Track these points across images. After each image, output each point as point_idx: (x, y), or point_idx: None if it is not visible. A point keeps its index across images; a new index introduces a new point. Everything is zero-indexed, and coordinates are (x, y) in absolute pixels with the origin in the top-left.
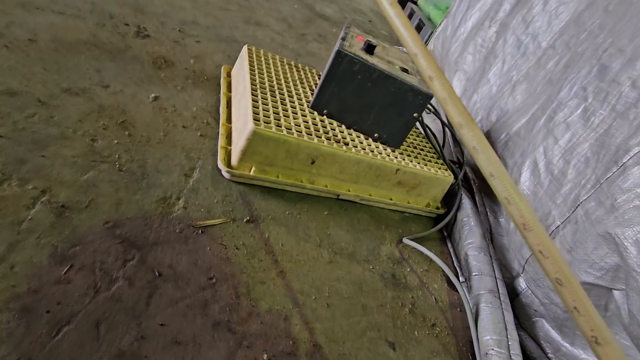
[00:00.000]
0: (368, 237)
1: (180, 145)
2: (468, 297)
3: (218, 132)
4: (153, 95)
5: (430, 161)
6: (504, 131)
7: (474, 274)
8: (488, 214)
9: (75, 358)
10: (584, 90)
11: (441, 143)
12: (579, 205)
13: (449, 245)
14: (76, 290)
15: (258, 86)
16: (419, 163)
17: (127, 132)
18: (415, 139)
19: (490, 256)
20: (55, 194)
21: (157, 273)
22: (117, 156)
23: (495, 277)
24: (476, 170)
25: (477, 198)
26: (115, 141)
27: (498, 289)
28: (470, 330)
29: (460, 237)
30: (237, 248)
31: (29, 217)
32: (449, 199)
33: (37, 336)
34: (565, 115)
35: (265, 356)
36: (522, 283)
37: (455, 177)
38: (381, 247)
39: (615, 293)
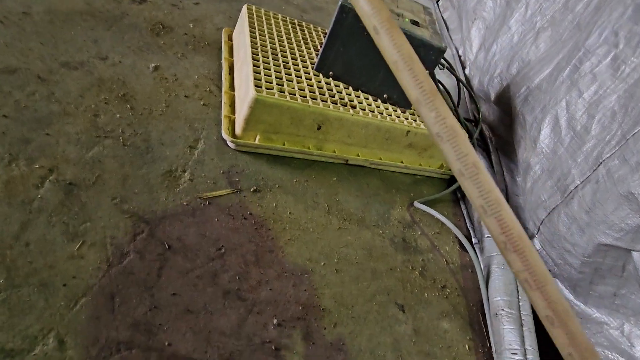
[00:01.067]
0: (378, 202)
1: (183, 116)
2: (480, 259)
3: (221, 101)
4: (153, 65)
5: None
6: (524, 84)
7: (486, 235)
8: (504, 173)
9: (93, 328)
10: (615, 36)
11: (456, 100)
12: (601, 163)
13: (463, 206)
14: (90, 265)
15: (259, 50)
16: None
17: (128, 105)
18: None
19: None
20: (62, 171)
21: (166, 246)
22: (120, 130)
23: None
24: (493, 127)
25: (493, 158)
26: (118, 115)
27: None
28: (481, 291)
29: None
30: (244, 218)
31: (39, 196)
32: None
33: (57, 308)
34: (592, 64)
35: (275, 321)
36: (536, 244)
37: (471, 136)
38: (391, 211)
39: (635, 254)
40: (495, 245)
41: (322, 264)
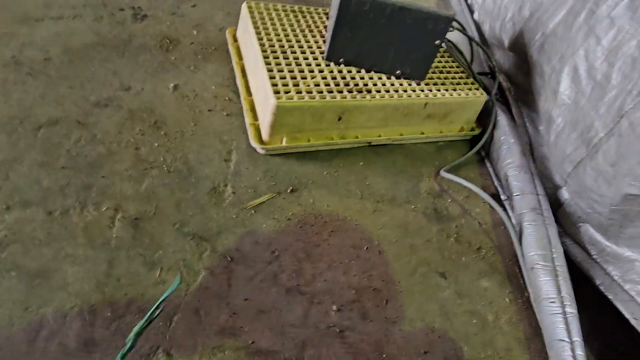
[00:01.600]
0: (405, 178)
1: (211, 131)
2: (511, 215)
3: (242, 108)
4: (172, 85)
5: (459, 84)
6: (539, 30)
7: (515, 194)
8: (527, 124)
9: (189, 338)
10: None
11: (469, 58)
12: (623, 115)
13: (488, 164)
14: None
15: (269, 51)
16: (447, 90)
17: (162, 132)
18: (440, 62)
19: (531, 173)
20: (126, 209)
21: (228, 258)
22: (162, 159)
23: (537, 194)
24: (511, 76)
25: (514, 110)
26: (156, 144)
27: (541, 205)
28: (514, 246)
29: (498, 157)
30: (288, 219)
31: (114, 235)
32: (485, 117)
33: (157, 328)
34: (609, 7)
35: (334, 307)
36: (565, 194)
37: (488, 93)
38: (420, 184)
39: None
40: (525, 203)
41: (365, 248)
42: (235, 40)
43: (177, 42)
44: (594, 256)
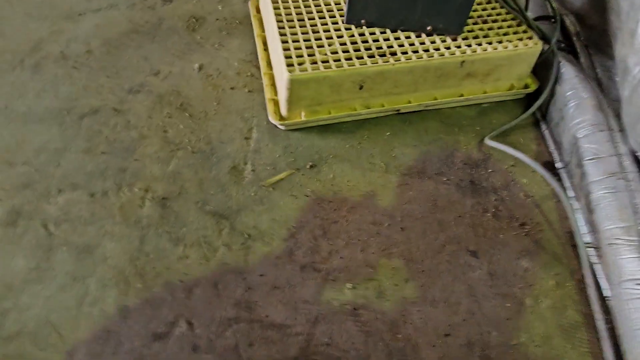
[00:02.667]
0: (439, 147)
1: (233, 110)
2: (569, 184)
3: (263, 83)
4: (197, 65)
5: (507, 34)
6: None
7: (587, 158)
8: (599, 75)
9: (208, 310)
10: None
11: (524, 2)
12: None
13: (544, 127)
14: (194, 262)
15: (285, 20)
16: (490, 43)
17: (187, 114)
18: (483, 10)
19: (610, 130)
20: (155, 189)
21: (246, 235)
22: (187, 140)
23: (619, 155)
24: (581, 16)
25: (582, 59)
26: (181, 126)
27: (623, 168)
28: (570, 221)
29: (563, 118)
30: (306, 196)
31: (145, 214)
32: (542, 70)
33: (179, 300)
34: None
35: (349, 284)
36: None
37: (548, 42)
38: (455, 153)
39: None
40: (599, 169)
41: (387, 225)
42: (257, 11)
43: (203, 20)
44: None
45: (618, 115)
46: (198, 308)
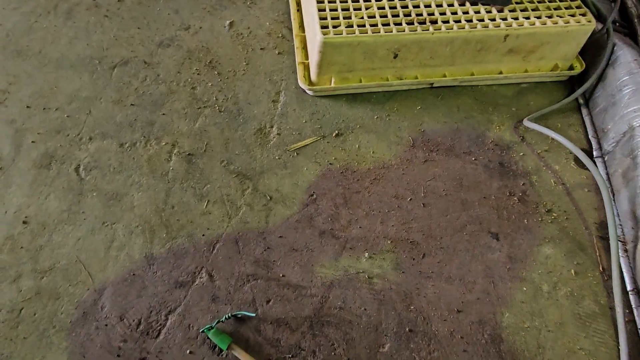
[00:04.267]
0: (470, 126)
1: (262, 71)
2: (607, 171)
3: (294, 45)
4: (228, 22)
5: (558, 8)
6: None
7: None
8: None
9: (228, 265)
10: None
11: None
12: None
13: (585, 113)
14: (216, 218)
15: None
16: (538, 18)
17: (216, 72)
18: None
19: None
20: (181, 145)
21: (268, 197)
22: (214, 98)
23: None
24: None
25: None
26: (210, 84)
27: None
28: (606, 211)
29: (615, 104)
30: (330, 164)
31: (171, 168)
32: (591, 52)
33: (202, 252)
34: None
35: (366, 254)
36: None
37: (602, 20)
38: (487, 133)
39: None
40: None
41: (409, 199)
42: None
43: None
44: None
45: None
46: (219, 262)
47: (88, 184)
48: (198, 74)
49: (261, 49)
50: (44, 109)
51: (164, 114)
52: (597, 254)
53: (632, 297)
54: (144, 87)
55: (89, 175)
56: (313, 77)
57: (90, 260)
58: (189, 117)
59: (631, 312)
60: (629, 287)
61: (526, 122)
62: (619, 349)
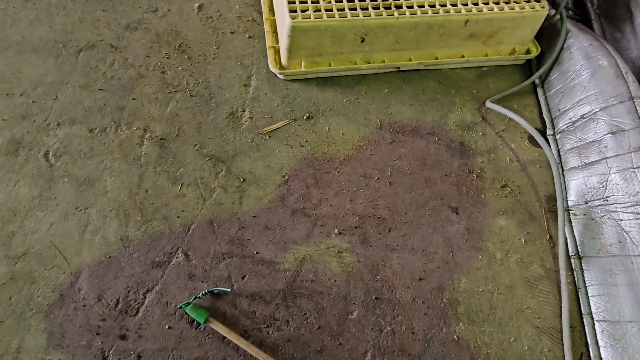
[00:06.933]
0: (434, 108)
1: (233, 55)
2: (558, 148)
3: (264, 29)
4: (197, 5)
5: None
6: None
7: (610, 132)
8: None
9: (204, 244)
10: None
11: None
12: None
13: (540, 93)
14: (190, 201)
15: None
16: (497, 3)
17: (186, 56)
18: None
19: (633, 99)
20: (153, 129)
21: (241, 179)
22: (185, 83)
23: None
24: None
25: (595, 25)
26: (180, 68)
27: None
28: (555, 185)
29: (575, 87)
30: (301, 145)
31: (143, 153)
32: (548, 36)
33: (177, 234)
34: None
35: (336, 230)
36: None
37: (555, 7)
38: (449, 115)
39: None
40: (626, 142)
41: (376, 178)
42: None
43: None
44: None
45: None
46: (194, 242)
47: (58, 169)
48: (168, 58)
49: (231, 32)
50: (7, 94)
51: (134, 99)
52: (546, 223)
53: (573, 261)
54: (112, 71)
55: (59, 161)
56: (283, 61)
57: (65, 245)
58: (160, 101)
59: (572, 274)
60: (571, 253)
61: (488, 104)
62: (560, 307)
